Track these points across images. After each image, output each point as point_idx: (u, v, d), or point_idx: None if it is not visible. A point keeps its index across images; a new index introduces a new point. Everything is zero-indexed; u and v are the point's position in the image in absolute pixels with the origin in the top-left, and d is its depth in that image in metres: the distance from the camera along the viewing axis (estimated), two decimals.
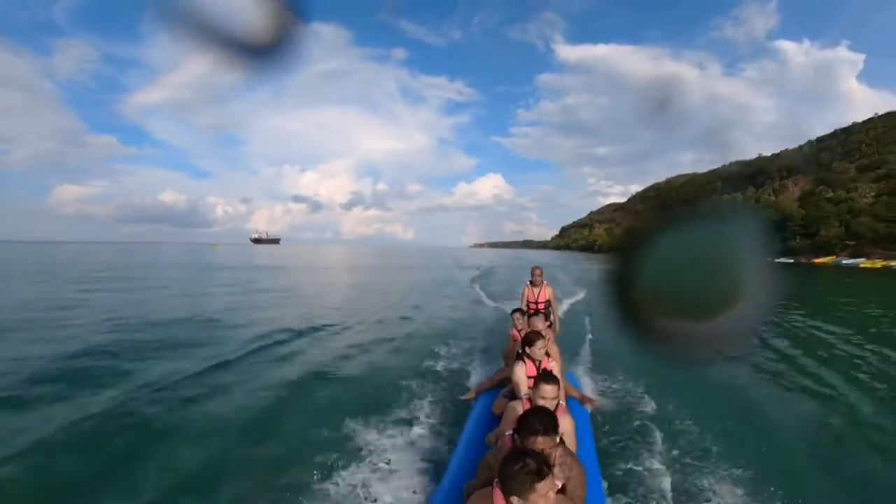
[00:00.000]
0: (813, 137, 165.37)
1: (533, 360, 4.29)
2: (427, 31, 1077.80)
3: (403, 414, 5.76)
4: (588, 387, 6.52)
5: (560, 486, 2.38)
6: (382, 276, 33.77)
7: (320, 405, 6.27)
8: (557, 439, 2.52)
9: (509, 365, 4.86)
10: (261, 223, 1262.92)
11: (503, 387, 4.89)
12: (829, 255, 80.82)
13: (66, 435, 5.17)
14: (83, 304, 15.06)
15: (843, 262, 71.81)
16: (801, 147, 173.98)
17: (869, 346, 10.12)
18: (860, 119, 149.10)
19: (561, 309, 12.03)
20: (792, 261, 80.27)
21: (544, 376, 3.38)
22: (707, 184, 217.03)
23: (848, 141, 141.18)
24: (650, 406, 6.10)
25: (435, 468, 4.31)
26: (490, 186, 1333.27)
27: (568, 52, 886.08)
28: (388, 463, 4.51)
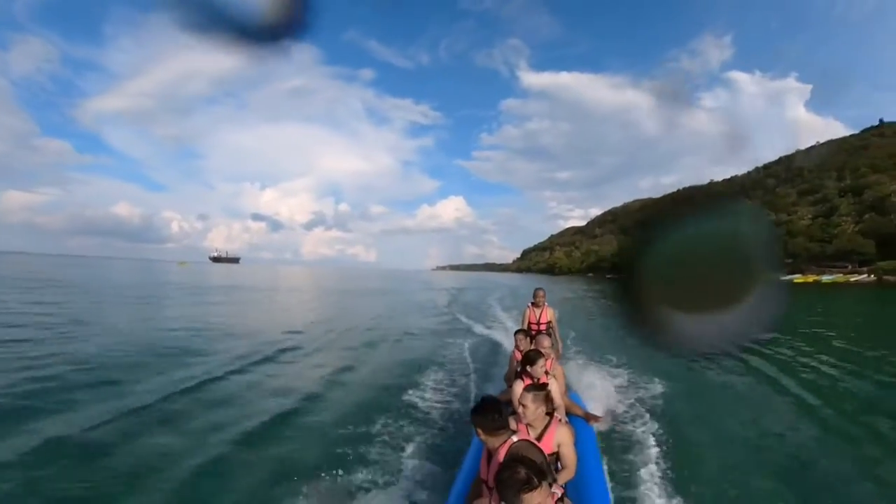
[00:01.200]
0: (761, 164, 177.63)
1: (532, 379, 4.26)
2: (395, 53, 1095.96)
3: (405, 439, 5.62)
4: (593, 405, 6.46)
5: (560, 494, 2.40)
6: (360, 299, 32.43)
7: (310, 434, 5.99)
8: (549, 487, 2.25)
9: (511, 386, 4.72)
10: (218, 241, 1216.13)
11: (507, 409, 4.87)
12: None
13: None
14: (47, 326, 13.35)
15: (782, 278, 77.66)
16: (749, 173, 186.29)
17: (802, 348, 12.13)
18: (805, 146, 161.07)
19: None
20: None
21: (530, 388, 3.40)
22: None
23: (792, 167, 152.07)
24: (657, 422, 6.19)
25: (440, 493, 4.25)
26: (452, 209, 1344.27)
27: (532, 78, 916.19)
28: (389, 488, 4.45)
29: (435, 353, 11.10)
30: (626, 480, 4.58)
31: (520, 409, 3.32)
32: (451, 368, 9.59)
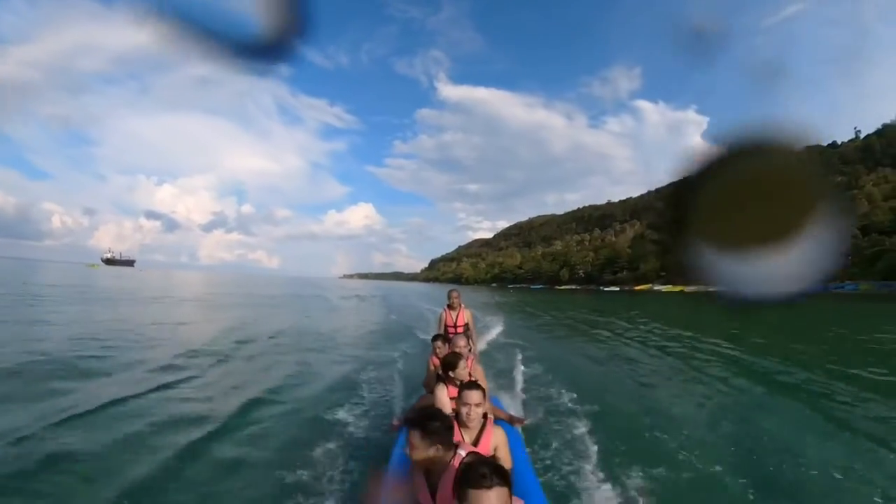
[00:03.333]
0: (654, 187, 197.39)
1: (455, 383, 4.12)
2: (315, 51, 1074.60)
3: (324, 453, 5.26)
4: (514, 407, 6.59)
5: None
6: (281, 308, 28.19)
7: (222, 454, 5.38)
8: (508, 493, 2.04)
9: (432, 392, 4.65)
10: (106, 240, 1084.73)
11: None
12: (646, 283, 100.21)
13: None
14: None
15: (655, 287, 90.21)
16: (642, 196, 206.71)
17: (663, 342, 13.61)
18: None
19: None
20: (618, 288, 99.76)
21: (466, 385, 3.31)
22: (563, 224, 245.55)
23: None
24: (581, 419, 6.36)
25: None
26: (361, 216, 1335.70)
27: (450, 90, 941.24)
28: (310, 501, 4.25)
29: (357, 362, 10.49)
30: (557, 481, 4.61)
31: (464, 411, 3.13)
32: (374, 374, 9.04)
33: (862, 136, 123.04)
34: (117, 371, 8.48)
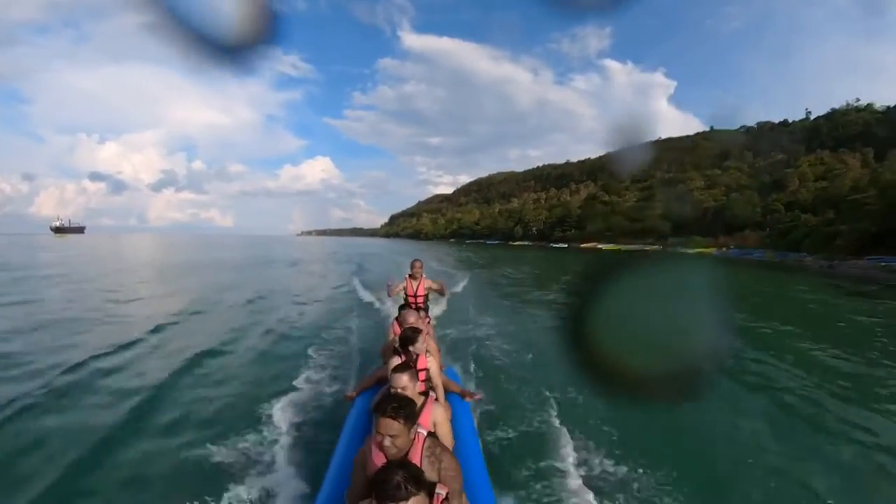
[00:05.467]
0: (617, 149, 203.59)
1: (411, 357, 4.26)
2: None
3: (280, 419, 5.50)
4: (470, 381, 6.64)
5: (445, 494, 2.43)
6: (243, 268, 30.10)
7: (174, 421, 5.61)
8: (412, 429, 2.54)
9: (388, 362, 4.66)
10: (48, 206, 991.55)
11: (382, 384, 4.54)
12: (592, 241, 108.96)
13: None
14: None
15: (599, 246, 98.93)
16: (600, 157, 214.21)
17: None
18: (666, 135, 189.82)
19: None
20: (566, 245, 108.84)
21: (402, 367, 3.43)
22: (522, 182, 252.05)
23: None
24: (534, 392, 6.34)
25: (315, 474, 4.17)
26: (318, 170, 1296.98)
27: (413, 39, 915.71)
28: (264, 470, 4.43)
29: (317, 327, 10.65)
30: (503, 455, 4.71)
31: (398, 392, 3.15)
32: (335, 340, 9.33)
33: (812, 117, 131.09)
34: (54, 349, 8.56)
